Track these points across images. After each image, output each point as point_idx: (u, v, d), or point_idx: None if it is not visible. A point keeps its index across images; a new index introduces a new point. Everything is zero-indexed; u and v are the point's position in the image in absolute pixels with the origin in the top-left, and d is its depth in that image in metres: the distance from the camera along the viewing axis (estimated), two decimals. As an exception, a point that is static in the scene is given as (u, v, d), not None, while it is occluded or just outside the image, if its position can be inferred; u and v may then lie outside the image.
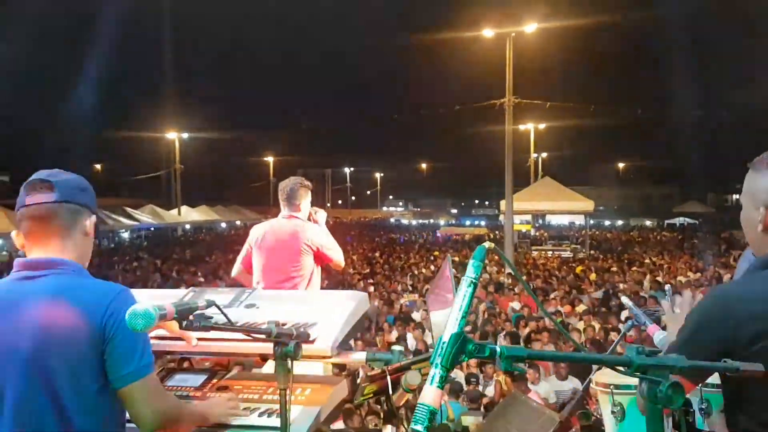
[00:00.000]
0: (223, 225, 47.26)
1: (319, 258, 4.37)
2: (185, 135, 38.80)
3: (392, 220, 68.18)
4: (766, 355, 1.48)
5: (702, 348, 1.52)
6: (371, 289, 14.63)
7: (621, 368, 1.25)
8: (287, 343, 1.68)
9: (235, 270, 4.57)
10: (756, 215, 1.63)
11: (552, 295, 13.13)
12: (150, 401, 1.69)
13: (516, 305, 12.35)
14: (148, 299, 1.66)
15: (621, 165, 68.46)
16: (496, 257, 21.87)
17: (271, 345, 1.74)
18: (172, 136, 38.10)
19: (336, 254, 4.43)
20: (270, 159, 54.39)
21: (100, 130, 43.53)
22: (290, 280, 4.24)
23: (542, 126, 36.98)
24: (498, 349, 1.11)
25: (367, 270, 18.96)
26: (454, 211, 79.19)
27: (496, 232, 36.48)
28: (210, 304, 1.63)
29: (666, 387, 1.21)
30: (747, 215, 1.68)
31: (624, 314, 10.48)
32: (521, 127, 34.29)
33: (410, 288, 15.52)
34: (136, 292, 1.83)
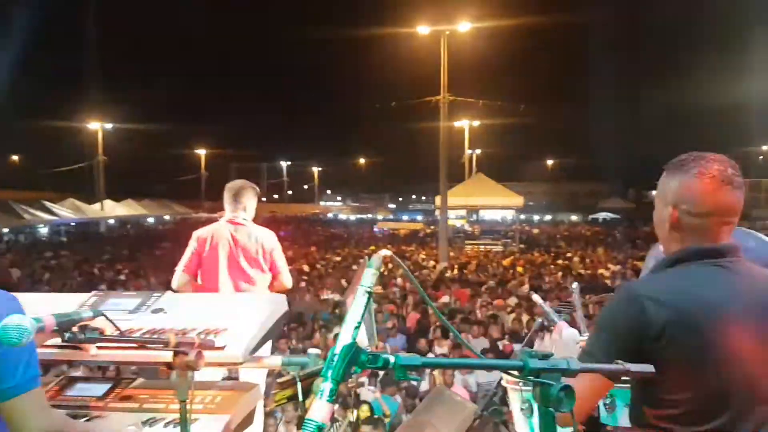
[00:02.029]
0: (151, 220, 45.66)
1: (269, 267, 4.25)
2: (109, 125, 37.23)
3: (330, 215, 67.86)
4: (674, 349, 1.52)
5: (613, 346, 1.55)
6: (303, 285, 14.49)
7: (514, 372, 1.25)
8: (188, 353, 1.60)
9: (178, 281, 4.18)
10: (665, 214, 1.68)
11: (482, 289, 13.38)
12: (32, 418, 1.60)
13: (447, 298, 12.53)
14: (42, 306, 1.55)
15: (550, 162, 70.60)
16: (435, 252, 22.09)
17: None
18: (95, 126, 36.49)
19: (286, 269, 4.32)
20: (202, 152, 52.99)
21: (18, 119, 41.22)
22: (250, 287, 4.12)
23: (476, 123, 37.63)
24: (392, 359, 1.09)
25: (303, 266, 18.78)
26: (392, 206, 79.56)
27: (432, 227, 36.90)
28: (97, 314, 1.53)
29: (557, 390, 1.22)
30: (658, 214, 1.73)
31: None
32: (456, 124, 34.82)
33: (346, 284, 15.46)
34: (30, 297, 1.72)
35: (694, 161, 1.65)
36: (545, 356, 1.26)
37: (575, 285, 2.95)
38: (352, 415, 5.77)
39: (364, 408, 6.16)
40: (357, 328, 1.14)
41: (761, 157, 49.36)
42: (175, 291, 4.14)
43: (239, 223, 4.21)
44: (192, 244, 4.21)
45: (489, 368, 1.64)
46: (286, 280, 4.33)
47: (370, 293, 1.17)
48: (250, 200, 4.29)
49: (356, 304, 1.17)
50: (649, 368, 1.38)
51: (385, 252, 1.28)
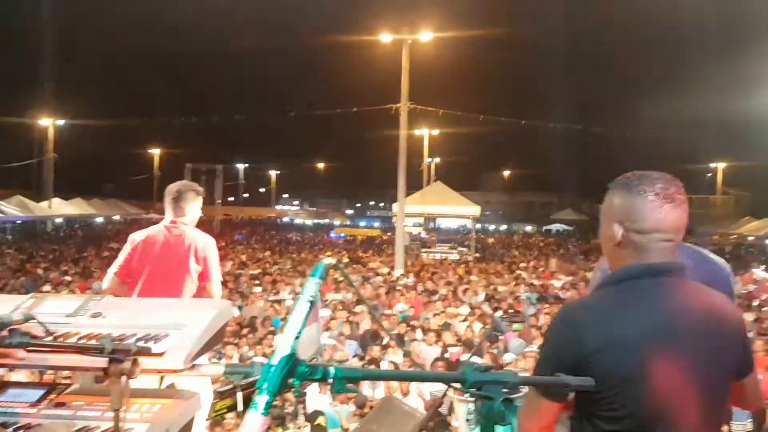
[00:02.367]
0: (100, 220, 44.47)
1: (202, 271, 4.10)
2: (60, 122, 36.13)
3: (286, 219, 67.32)
4: (609, 368, 1.54)
5: (555, 365, 1.56)
6: (258, 289, 14.31)
7: (456, 385, 1.24)
8: (123, 360, 1.54)
9: (108, 281, 4.13)
10: (610, 232, 1.70)
11: (435, 297, 13.45)
12: None
13: (402, 306, 12.55)
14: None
15: (507, 172, 71.75)
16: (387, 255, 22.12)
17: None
18: (46, 122, 35.38)
19: (218, 277, 4.18)
20: (155, 151, 51.83)
21: (-39, 113, 39.60)
22: (178, 291, 3.97)
23: (436, 132, 37.97)
24: (331, 371, 1.06)
25: (257, 270, 18.55)
26: (350, 211, 79.48)
27: (389, 234, 36.98)
28: (28, 317, 1.46)
29: (498, 403, 1.21)
30: (603, 231, 1.75)
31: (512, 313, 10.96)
32: (416, 132, 35.05)
33: (300, 290, 15.31)
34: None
35: (638, 180, 1.68)
36: (487, 369, 1.26)
37: (525, 296, 2.96)
38: (305, 428, 5.71)
39: (320, 419, 6.12)
40: (297, 338, 1.10)
41: (709, 175, 51.13)
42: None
43: (177, 227, 4.09)
44: (126, 247, 4.12)
45: (431, 380, 1.63)
46: (215, 290, 4.18)
47: (311, 302, 1.14)
48: (191, 203, 4.17)
49: (296, 314, 1.13)
50: (589, 381, 1.40)
51: (329, 260, 1.25)
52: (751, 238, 38.31)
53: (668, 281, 1.65)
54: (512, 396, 1.25)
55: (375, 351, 8.52)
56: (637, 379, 1.55)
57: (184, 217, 4.13)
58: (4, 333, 1.42)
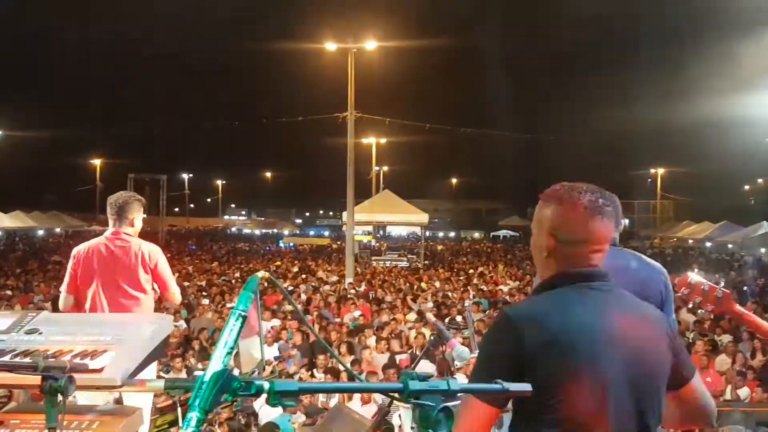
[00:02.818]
0: (41, 232, 42.93)
1: (154, 281, 4.07)
2: (-1, 133, 34.89)
3: (234, 229, 66.26)
4: (548, 371, 1.58)
5: (494, 369, 1.58)
6: (206, 301, 14.07)
7: (395, 395, 1.24)
8: (57, 378, 1.53)
9: (63, 302, 4.07)
10: (541, 242, 1.77)
11: (385, 305, 13.51)
12: None
13: (356, 313, 12.57)
14: None
15: (454, 180, 72.70)
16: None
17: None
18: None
19: (173, 283, 4.17)
20: (98, 162, 50.39)
21: None
22: (127, 305, 3.90)
23: (384, 141, 38.17)
24: (266, 386, 1.05)
25: (203, 282, 18.22)
26: (299, 221, 78.87)
27: (339, 242, 36.89)
28: (-44, 337, 1.43)
29: (436, 411, 1.21)
30: (534, 241, 1.82)
31: (458, 319, 11.09)
32: (364, 141, 35.17)
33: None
34: None
35: (568, 192, 1.75)
36: (425, 377, 1.25)
37: (467, 303, 3.03)
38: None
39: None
40: (229, 353, 1.11)
41: (649, 180, 52.89)
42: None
43: (121, 238, 4.04)
44: (70, 262, 4.05)
45: (370, 391, 1.61)
46: (174, 294, 4.19)
47: (244, 317, 1.15)
48: (135, 214, 4.13)
49: (229, 329, 1.14)
50: (527, 387, 1.40)
51: (262, 273, 1.27)
52: (690, 242, 39.79)
53: (597, 287, 1.71)
54: (450, 404, 1.24)
55: (321, 360, 8.52)
56: (572, 383, 1.58)
57: (129, 228, 4.08)
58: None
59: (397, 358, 9.12)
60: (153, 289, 4.09)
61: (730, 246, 33.67)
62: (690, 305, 2.51)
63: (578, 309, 1.67)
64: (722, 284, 2.53)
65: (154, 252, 4.09)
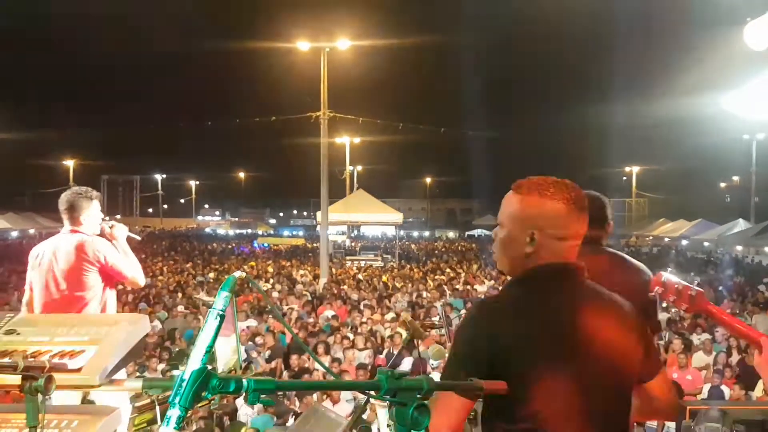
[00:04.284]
0: (15, 234, 42.28)
1: (109, 276, 3.99)
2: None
3: (208, 229, 65.66)
4: (520, 367, 1.59)
5: (467, 365, 1.60)
6: (180, 307, 13.95)
7: (372, 392, 1.25)
8: (37, 377, 1.56)
9: (26, 299, 4.06)
10: (524, 237, 1.71)
11: (362, 305, 13.56)
12: None
13: (330, 313, 12.59)
14: None
15: (428, 180, 73.02)
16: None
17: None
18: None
19: (130, 270, 4.06)
20: (69, 162, 49.66)
21: None
22: (75, 304, 3.84)
23: (357, 140, 38.20)
24: (244, 383, 1.07)
25: (175, 283, 18.06)
26: (273, 221, 78.47)
27: (313, 242, 36.80)
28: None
29: (412, 409, 1.22)
30: (512, 236, 1.74)
31: (435, 320, 11.19)
32: (337, 140, 35.16)
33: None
34: None
35: (554, 185, 1.71)
36: (402, 376, 1.25)
37: (439, 303, 3.08)
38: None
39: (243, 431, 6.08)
40: (207, 352, 1.15)
41: (624, 178, 53.53)
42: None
43: (71, 236, 3.98)
44: (29, 262, 4.03)
45: (346, 389, 1.62)
46: (134, 278, 4.10)
47: (222, 316, 1.19)
48: (86, 210, 4.04)
49: (207, 328, 1.17)
50: (502, 384, 1.42)
51: (239, 273, 1.31)
52: (666, 240, 40.24)
53: (571, 282, 1.72)
54: (426, 402, 1.25)
55: (295, 361, 8.57)
56: (543, 378, 1.60)
57: (80, 225, 4.01)
58: None
59: (365, 356, 9.16)
60: (110, 283, 4.03)
61: (705, 244, 33.91)
62: (664, 304, 2.55)
63: (551, 305, 1.67)
64: (696, 283, 2.59)
65: (99, 245, 3.98)
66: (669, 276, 2.50)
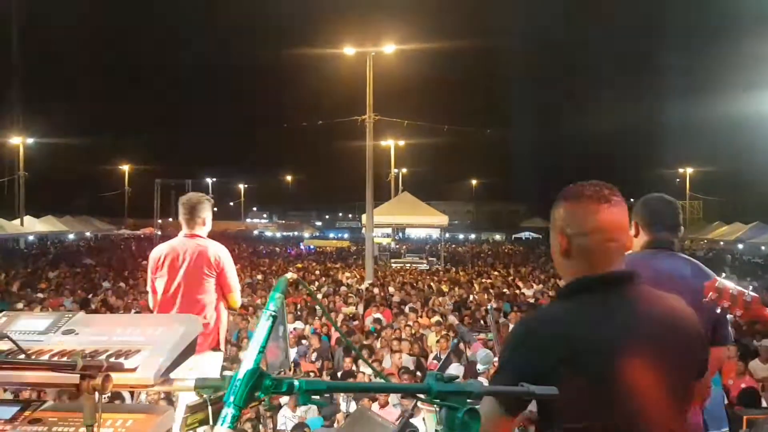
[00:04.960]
0: (71, 236, 43.95)
1: (219, 284, 4.12)
2: (31, 140, 35.75)
3: (256, 231, 66.76)
4: (569, 377, 1.56)
5: (515, 373, 1.58)
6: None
7: (422, 396, 1.25)
8: (95, 376, 1.60)
9: (151, 302, 4.26)
10: (556, 242, 1.75)
11: (407, 308, 13.52)
12: None
13: (376, 316, 12.61)
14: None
15: (474, 182, 72.43)
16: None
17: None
18: (17, 141, 35.00)
19: (236, 286, 4.23)
20: (125, 167, 51.33)
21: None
22: (194, 306, 3.98)
23: (402, 143, 38.23)
24: (296, 384, 1.09)
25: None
26: (319, 223, 79.25)
27: (359, 245, 36.98)
28: (1, 336, 1.51)
29: (462, 413, 1.22)
30: (552, 242, 1.80)
31: (481, 323, 11.09)
32: (382, 143, 35.27)
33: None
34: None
35: (573, 188, 1.75)
36: (451, 379, 1.26)
37: (490, 306, 3.05)
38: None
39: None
40: (260, 352, 1.16)
41: (678, 180, 52.01)
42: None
43: (193, 240, 4.14)
44: (149, 264, 4.18)
45: (397, 391, 1.61)
46: (234, 300, 4.25)
47: (274, 317, 1.20)
48: (207, 213, 4.22)
49: (260, 329, 1.18)
50: (553, 390, 1.39)
51: (291, 275, 1.32)
52: (721, 243, 38.89)
53: (623, 289, 1.68)
54: (476, 406, 1.25)
55: (347, 364, 8.58)
56: (600, 388, 1.57)
57: (203, 226, 4.19)
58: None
59: (409, 360, 9.12)
60: (219, 292, 4.14)
61: (762, 248, 32.77)
62: (718, 310, 2.47)
63: (602, 315, 1.65)
64: (751, 288, 2.49)
65: (221, 254, 4.16)
66: (723, 281, 2.41)
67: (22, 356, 1.76)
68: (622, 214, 1.73)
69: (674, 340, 1.67)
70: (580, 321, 1.64)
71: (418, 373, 8.16)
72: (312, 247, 41.30)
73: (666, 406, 1.62)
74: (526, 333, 1.69)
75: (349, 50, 21.47)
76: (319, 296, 15.14)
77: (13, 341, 1.58)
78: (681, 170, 50.62)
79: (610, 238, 1.70)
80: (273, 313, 1.19)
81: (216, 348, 4.11)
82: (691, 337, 1.71)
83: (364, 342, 9.93)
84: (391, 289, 17.16)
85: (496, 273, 22.40)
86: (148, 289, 4.26)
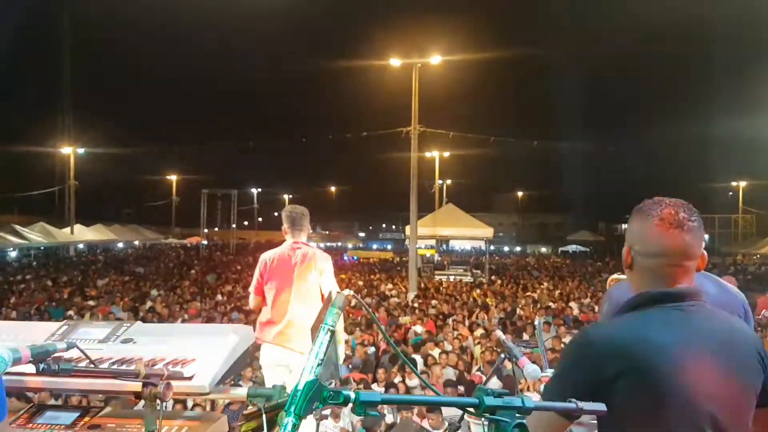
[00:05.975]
0: (120, 245, 45.19)
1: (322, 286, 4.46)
2: (81, 150, 36.97)
3: (300, 242, 67.31)
4: (630, 395, 1.56)
5: (569, 387, 1.59)
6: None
7: (471, 409, 1.28)
8: (156, 384, 1.65)
9: (252, 302, 4.63)
10: (624, 254, 1.76)
11: (450, 320, 13.44)
12: None
13: (419, 329, 12.57)
14: (12, 334, 1.59)
15: (519, 194, 71.66)
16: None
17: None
18: (67, 150, 36.28)
19: (335, 287, 4.50)
20: (173, 177, 52.63)
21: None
22: (307, 307, 4.29)
23: (447, 154, 38.14)
24: (352, 396, 1.13)
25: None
26: (362, 234, 79.63)
27: (402, 256, 36.97)
28: (71, 345, 1.58)
29: (512, 427, 1.24)
30: (623, 255, 1.79)
31: (525, 337, 10.93)
32: (427, 154, 35.27)
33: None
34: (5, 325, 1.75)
35: (649, 205, 1.72)
36: (501, 394, 1.28)
37: (538, 321, 3.02)
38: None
39: None
40: (320, 365, 1.19)
41: (731, 194, 50.51)
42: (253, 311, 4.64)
43: (299, 247, 4.51)
44: (259, 267, 4.54)
45: (446, 405, 1.62)
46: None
47: (332, 332, 1.23)
48: (306, 223, 4.62)
49: (319, 342, 1.22)
50: (601, 407, 1.41)
51: (348, 291, 1.35)
52: (774, 258, 37.63)
53: (686, 307, 1.67)
54: (524, 421, 1.27)
55: (392, 375, 8.57)
56: (654, 406, 1.56)
57: (303, 236, 4.57)
58: (49, 360, 1.54)
59: (453, 373, 9.04)
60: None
61: (816, 262, 31.61)
62: None
63: (662, 332, 1.63)
64: None
65: (323, 257, 4.54)
66: None
67: (86, 363, 1.82)
68: (695, 238, 1.70)
69: (734, 358, 1.65)
70: (638, 335, 1.62)
71: (460, 387, 8.10)
72: (356, 257, 41.48)
73: (723, 425, 1.59)
74: (584, 345, 1.69)
75: (395, 62, 21.60)
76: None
77: (81, 350, 1.65)
78: (734, 183, 49.17)
79: (675, 263, 1.69)
80: (331, 328, 1.22)
81: None
82: (751, 357, 1.69)
83: (411, 354, 9.91)
84: (434, 302, 17.08)
85: (541, 287, 22.07)
86: (251, 289, 4.58)
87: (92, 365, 1.70)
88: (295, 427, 1.11)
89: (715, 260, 33.54)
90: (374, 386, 8.51)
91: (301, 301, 4.34)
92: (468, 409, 1.31)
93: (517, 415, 1.26)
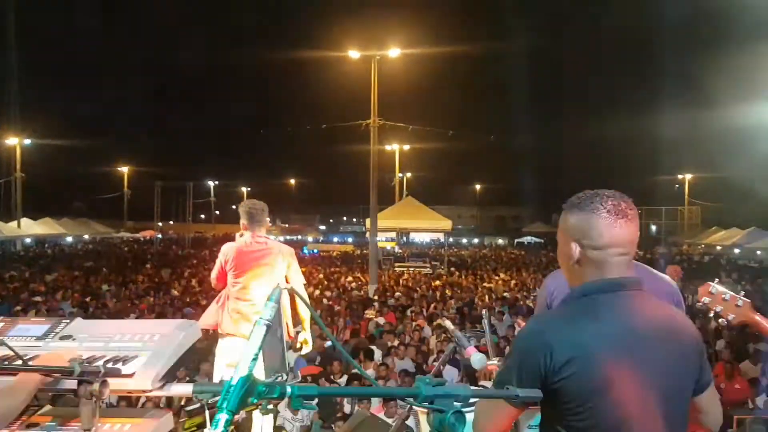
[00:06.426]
0: (69, 239, 43.94)
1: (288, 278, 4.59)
2: (27, 141, 35.78)
3: (259, 235, 66.68)
4: (576, 379, 1.61)
5: (519, 374, 1.64)
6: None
7: (410, 399, 1.30)
8: (92, 382, 1.61)
9: (213, 283, 4.75)
10: (568, 250, 1.78)
11: (409, 311, 13.53)
12: None
13: (381, 320, 12.63)
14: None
15: (477, 187, 72.50)
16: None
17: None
18: (13, 141, 35.04)
19: (300, 278, 4.72)
20: (124, 169, 51.33)
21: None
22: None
23: (407, 147, 38.27)
24: (288, 390, 1.13)
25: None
26: (322, 227, 79.39)
27: (362, 249, 37.01)
28: (1, 343, 1.52)
29: (449, 415, 1.27)
30: (561, 250, 1.83)
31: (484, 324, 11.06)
32: (387, 148, 35.33)
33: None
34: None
35: (590, 198, 1.76)
36: (439, 383, 1.30)
37: (485, 311, 3.07)
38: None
39: None
40: (254, 359, 1.18)
41: (677, 186, 52.09)
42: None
43: (259, 241, 4.56)
44: (219, 258, 4.61)
45: (386, 396, 1.62)
46: (302, 290, 4.79)
47: (268, 326, 1.22)
48: (265, 217, 4.67)
49: (254, 337, 1.21)
50: (537, 393, 1.47)
51: (285, 285, 1.33)
52: (718, 248, 39.02)
53: (628, 295, 1.72)
54: (463, 409, 1.29)
55: (335, 366, 8.63)
56: (602, 391, 1.60)
57: (262, 231, 4.60)
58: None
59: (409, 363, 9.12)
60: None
61: (758, 253, 32.96)
62: (711, 314, 2.52)
63: (609, 317, 1.68)
64: (742, 293, 2.52)
65: (288, 251, 4.64)
66: (716, 286, 2.47)
67: (19, 362, 1.76)
68: (637, 227, 1.77)
69: (673, 346, 1.71)
70: (587, 323, 1.67)
71: (418, 376, 8.18)
72: (316, 251, 41.34)
73: (662, 412, 1.65)
74: (534, 333, 1.73)
75: (353, 54, 21.52)
76: (324, 301, 15.12)
77: (10, 347, 1.59)
78: (680, 176, 50.75)
79: (623, 252, 1.75)
80: (267, 322, 1.21)
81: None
82: (689, 346, 1.75)
83: (370, 346, 9.93)
84: (397, 294, 17.19)
85: (497, 278, 22.42)
86: (213, 276, 4.70)
87: (22, 363, 1.63)
88: (228, 422, 1.10)
89: (661, 250, 34.59)
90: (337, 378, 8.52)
91: (267, 293, 4.38)
92: (407, 399, 1.33)
93: (455, 403, 1.29)
